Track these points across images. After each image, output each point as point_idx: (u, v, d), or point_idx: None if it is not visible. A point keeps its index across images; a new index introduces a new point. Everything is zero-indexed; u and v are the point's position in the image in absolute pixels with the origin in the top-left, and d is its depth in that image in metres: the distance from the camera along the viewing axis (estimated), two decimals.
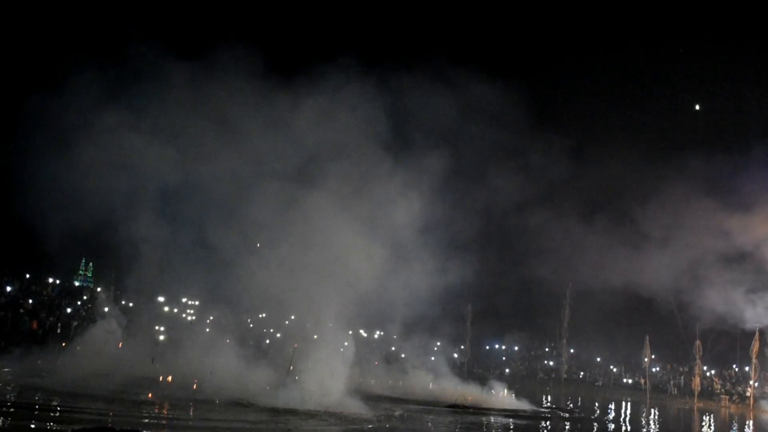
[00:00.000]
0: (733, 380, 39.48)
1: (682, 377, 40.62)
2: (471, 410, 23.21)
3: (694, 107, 36.83)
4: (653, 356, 39.88)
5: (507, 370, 44.11)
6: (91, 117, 23.50)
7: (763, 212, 30.74)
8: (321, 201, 22.83)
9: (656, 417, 28.15)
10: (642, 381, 39.51)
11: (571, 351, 47.03)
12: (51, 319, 31.57)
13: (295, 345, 23.47)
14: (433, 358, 37.40)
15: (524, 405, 25.90)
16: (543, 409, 26.37)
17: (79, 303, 35.89)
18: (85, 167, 22.91)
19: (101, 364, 23.90)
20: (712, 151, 31.86)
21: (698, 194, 31.51)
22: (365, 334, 41.81)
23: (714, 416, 30.66)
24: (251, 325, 34.33)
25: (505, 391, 29.06)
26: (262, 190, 23.36)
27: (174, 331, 31.35)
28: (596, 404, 31.44)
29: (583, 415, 25.89)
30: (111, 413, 15.26)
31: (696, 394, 35.83)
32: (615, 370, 45.80)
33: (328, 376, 21.18)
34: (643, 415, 28.59)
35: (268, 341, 31.30)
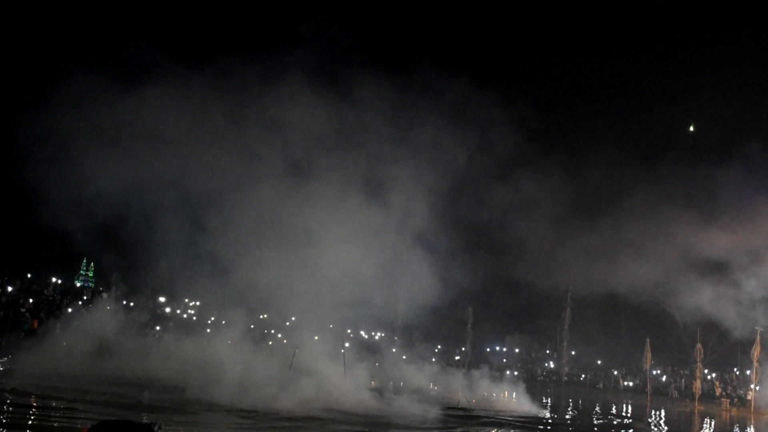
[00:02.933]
0: (734, 384, 39.41)
1: (683, 380, 40.56)
2: (483, 416, 22.58)
3: (689, 127, 37.14)
4: (654, 359, 39.81)
5: (507, 372, 44.02)
6: (91, 120, 23.54)
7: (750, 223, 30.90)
8: (323, 204, 22.87)
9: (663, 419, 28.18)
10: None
11: (572, 353, 47.00)
12: (51, 318, 31.55)
13: (296, 349, 23.44)
14: (434, 360, 37.37)
15: (534, 408, 25.60)
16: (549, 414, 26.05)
17: (80, 303, 35.87)
18: (87, 168, 22.96)
19: (101, 363, 23.96)
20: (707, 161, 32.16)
21: (694, 202, 31.60)
22: (365, 336, 41.83)
23: (715, 420, 30.60)
24: (252, 326, 34.31)
25: (509, 393, 28.96)
26: (263, 192, 23.42)
27: (174, 331, 31.39)
28: (597, 406, 31.43)
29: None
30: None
31: (697, 397, 35.77)
32: (616, 373, 45.76)
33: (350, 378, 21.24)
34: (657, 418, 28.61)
35: (271, 342, 31.25)
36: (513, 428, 20.19)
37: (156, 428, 3.60)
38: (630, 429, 23.18)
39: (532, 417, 23.46)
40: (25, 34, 31.18)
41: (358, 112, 24.06)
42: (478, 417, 21.90)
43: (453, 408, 23.35)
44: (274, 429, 16.50)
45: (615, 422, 25.16)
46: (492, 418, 22.17)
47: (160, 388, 20.14)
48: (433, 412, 21.03)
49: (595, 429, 23.42)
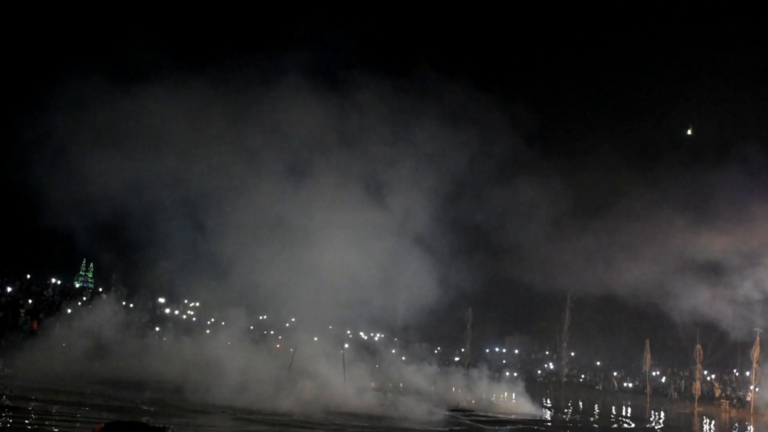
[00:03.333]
0: (734, 385, 39.40)
1: (683, 381, 40.54)
2: (486, 417, 22.28)
3: (687, 130, 37.18)
4: (653, 361, 39.79)
5: (507, 373, 44.02)
6: (90, 121, 23.54)
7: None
8: (322, 205, 22.87)
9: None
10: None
11: (572, 354, 46.97)
12: (50, 319, 31.50)
13: (291, 349, 23.40)
14: (434, 361, 37.32)
15: (535, 409, 25.48)
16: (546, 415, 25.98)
17: (79, 304, 35.81)
18: (87, 169, 22.96)
19: (99, 364, 23.96)
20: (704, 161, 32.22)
21: (693, 203, 31.62)
22: (365, 337, 41.75)
23: (714, 421, 30.59)
24: (251, 327, 34.31)
25: (509, 394, 28.94)
26: (262, 194, 23.42)
27: (174, 332, 31.34)
28: (596, 408, 31.44)
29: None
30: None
31: (696, 398, 35.75)
32: (615, 374, 45.74)
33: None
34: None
35: (270, 345, 31.20)
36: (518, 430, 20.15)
37: None
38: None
39: (536, 418, 23.43)
40: (25, 34, 31.21)
41: (357, 114, 24.12)
42: (483, 419, 21.77)
43: (457, 410, 23.21)
44: None
45: (625, 425, 25.09)
46: (496, 418, 22.13)
47: (158, 389, 20.08)
48: (438, 414, 20.97)
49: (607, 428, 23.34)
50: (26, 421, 13.75)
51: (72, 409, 15.60)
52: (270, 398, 19.21)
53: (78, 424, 13.90)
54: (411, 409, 20.57)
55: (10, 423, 13.29)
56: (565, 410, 29.06)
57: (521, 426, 21.12)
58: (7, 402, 15.53)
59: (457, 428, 19.45)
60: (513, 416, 23.41)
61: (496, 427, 20.27)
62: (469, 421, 20.69)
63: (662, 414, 31.33)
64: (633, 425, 25.05)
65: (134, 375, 22.41)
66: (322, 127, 24.24)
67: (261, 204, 23.51)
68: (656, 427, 25.73)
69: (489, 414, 23.32)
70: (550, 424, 23.30)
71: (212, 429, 15.87)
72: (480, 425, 20.06)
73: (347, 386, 22.22)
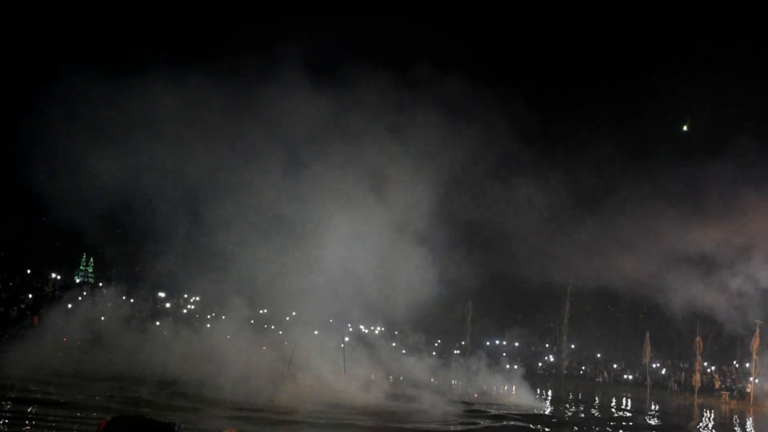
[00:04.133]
0: (734, 376, 39.49)
1: (683, 373, 40.64)
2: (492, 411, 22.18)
3: (683, 127, 37.11)
4: (653, 353, 39.87)
5: (507, 366, 44.06)
6: (89, 116, 23.49)
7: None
8: (323, 200, 22.87)
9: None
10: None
11: (572, 347, 47.07)
12: (51, 314, 31.49)
13: (286, 343, 23.41)
14: (434, 353, 37.40)
15: (537, 402, 25.48)
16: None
17: (79, 298, 35.82)
18: (87, 165, 22.92)
19: (99, 358, 24.00)
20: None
21: (693, 197, 31.60)
22: (365, 330, 41.79)
23: (714, 412, 30.68)
24: (252, 322, 34.34)
25: (510, 386, 29.01)
26: (262, 187, 23.40)
27: (174, 326, 31.36)
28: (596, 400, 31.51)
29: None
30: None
31: (696, 390, 35.83)
32: (615, 366, 45.85)
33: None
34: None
35: (271, 340, 31.22)
36: (523, 422, 20.15)
37: (176, 428, 3.43)
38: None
39: (539, 412, 23.48)
40: (26, 28, 31.14)
41: (357, 110, 24.03)
42: (492, 413, 21.68)
43: (466, 403, 23.12)
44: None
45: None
46: (504, 413, 22.00)
47: (159, 384, 20.11)
48: (456, 408, 20.92)
49: (612, 423, 23.36)
50: (28, 420, 13.76)
51: (72, 410, 15.58)
52: (272, 394, 19.22)
53: (77, 422, 13.90)
54: (432, 404, 20.29)
55: (10, 422, 13.30)
56: (565, 403, 29.10)
57: (521, 417, 21.03)
58: (8, 404, 15.52)
59: (491, 423, 19.26)
60: (518, 408, 23.38)
61: (538, 426, 19.78)
62: (524, 424, 19.89)
63: (662, 406, 31.41)
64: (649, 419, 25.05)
65: (134, 369, 22.43)
66: (321, 121, 24.21)
67: (260, 198, 23.50)
68: (656, 420, 25.78)
69: (492, 406, 23.34)
70: (551, 415, 23.29)
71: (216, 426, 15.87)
72: (523, 423, 19.73)
73: (350, 380, 22.23)
